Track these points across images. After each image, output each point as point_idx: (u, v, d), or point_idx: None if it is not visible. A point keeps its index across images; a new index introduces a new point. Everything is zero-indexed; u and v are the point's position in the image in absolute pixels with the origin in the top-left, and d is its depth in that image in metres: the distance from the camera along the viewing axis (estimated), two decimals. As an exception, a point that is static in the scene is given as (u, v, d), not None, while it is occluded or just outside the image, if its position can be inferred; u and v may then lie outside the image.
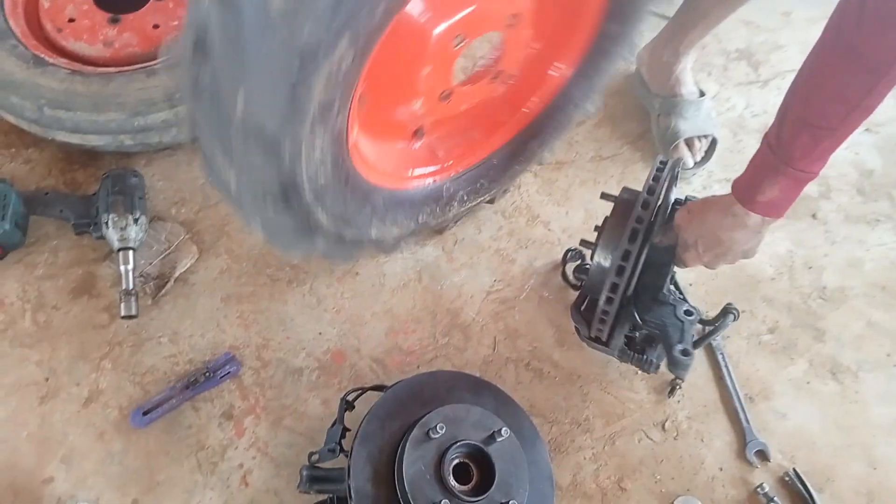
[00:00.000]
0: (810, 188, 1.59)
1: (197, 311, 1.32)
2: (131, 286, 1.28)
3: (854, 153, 1.64)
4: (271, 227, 1.02)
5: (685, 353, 1.07)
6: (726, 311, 1.15)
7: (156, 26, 1.49)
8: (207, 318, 1.32)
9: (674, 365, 1.08)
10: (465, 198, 1.35)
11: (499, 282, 1.43)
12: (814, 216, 1.55)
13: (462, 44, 1.07)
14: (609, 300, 1.07)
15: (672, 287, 1.19)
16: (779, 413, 1.31)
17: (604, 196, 1.20)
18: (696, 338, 1.15)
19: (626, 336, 1.17)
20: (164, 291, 1.33)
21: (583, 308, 1.19)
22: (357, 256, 1.24)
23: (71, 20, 1.48)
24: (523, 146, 1.38)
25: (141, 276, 1.34)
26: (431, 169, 1.29)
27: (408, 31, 1.01)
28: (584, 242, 1.27)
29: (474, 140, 1.34)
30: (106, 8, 1.50)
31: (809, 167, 0.95)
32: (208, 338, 1.29)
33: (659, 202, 1.10)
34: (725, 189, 1.06)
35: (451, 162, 1.32)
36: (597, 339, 1.17)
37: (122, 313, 1.26)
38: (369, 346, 1.33)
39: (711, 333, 1.15)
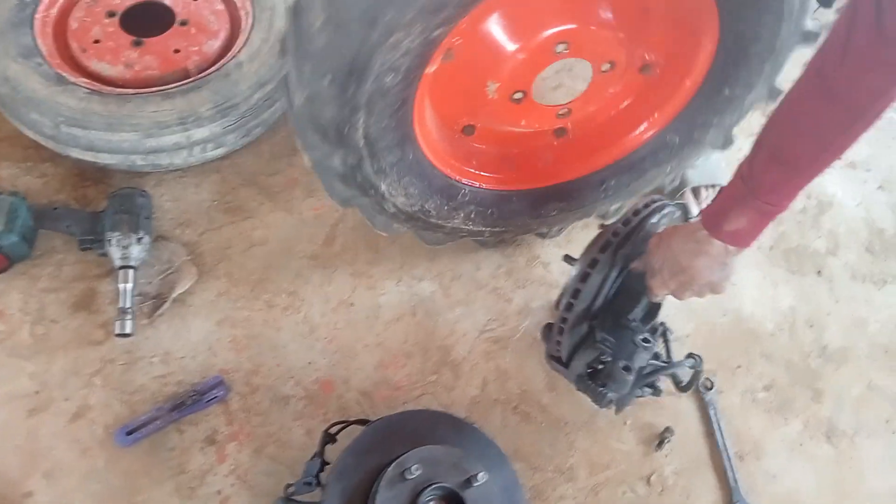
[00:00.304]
0: (818, 243, 1.58)
1: (191, 332, 1.34)
2: (128, 304, 1.30)
3: (865, 210, 1.61)
4: (307, 110, 1.02)
5: (626, 368, 1.09)
6: (689, 356, 1.18)
7: (176, 51, 1.53)
8: (200, 341, 1.33)
9: (611, 378, 1.10)
10: (472, 216, 1.33)
11: (493, 321, 1.42)
12: (819, 273, 1.53)
13: (563, 52, 1.12)
14: (569, 306, 1.07)
15: (662, 344, 1.19)
16: (769, 474, 1.28)
17: (601, 227, 1.22)
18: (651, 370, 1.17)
19: (589, 366, 1.17)
20: (160, 311, 1.35)
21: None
22: (349, 204, 1.22)
23: (96, 41, 1.52)
24: (542, 203, 1.37)
25: (139, 294, 1.36)
26: (459, 167, 1.30)
27: (525, 13, 1.06)
28: (566, 258, 1.27)
29: (507, 171, 1.35)
30: (130, 31, 1.54)
31: (777, 202, 0.94)
32: (199, 360, 1.31)
33: (642, 224, 1.12)
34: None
35: (479, 174, 1.32)
36: (557, 360, 1.16)
37: (117, 331, 1.28)
38: (358, 378, 1.33)
39: (662, 369, 1.16)
